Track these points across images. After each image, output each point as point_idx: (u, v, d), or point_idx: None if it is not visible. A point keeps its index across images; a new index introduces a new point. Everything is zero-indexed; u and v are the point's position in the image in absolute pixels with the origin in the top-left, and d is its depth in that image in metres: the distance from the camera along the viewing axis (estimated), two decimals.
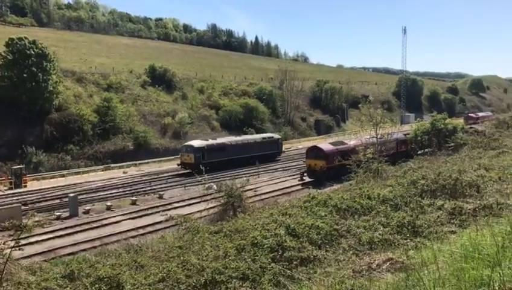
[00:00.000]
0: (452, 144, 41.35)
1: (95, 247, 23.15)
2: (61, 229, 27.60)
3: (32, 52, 51.48)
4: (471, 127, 51.89)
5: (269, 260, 10.11)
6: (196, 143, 49.82)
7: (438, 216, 12.45)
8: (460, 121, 72.21)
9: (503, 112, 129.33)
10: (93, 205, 34.23)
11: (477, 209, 12.55)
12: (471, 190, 15.09)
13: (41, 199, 36.26)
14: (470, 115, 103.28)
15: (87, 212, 31.87)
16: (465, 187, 15.27)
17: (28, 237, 23.80)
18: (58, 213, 30.75)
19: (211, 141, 51.61)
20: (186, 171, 45.80)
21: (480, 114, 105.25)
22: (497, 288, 4.39)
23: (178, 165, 49.21)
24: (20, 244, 24.01)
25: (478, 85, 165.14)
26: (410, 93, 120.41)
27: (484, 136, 39.62)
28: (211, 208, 24.50)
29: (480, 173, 18.09)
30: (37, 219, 29.16)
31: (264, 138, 57.73)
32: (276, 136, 60.81)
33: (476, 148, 33.21)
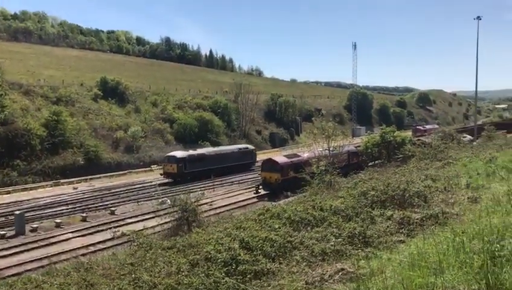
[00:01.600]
0: (401, 156, 42.57)
1: (42, 266, 22.10)
2: (5, 248, 26.27)
3: None
4: (418, 139, 53.61)
5: (223, 274, 10.05)
6: (178, 154, 52.19)
7: (388, 226, 12.80)
8: (408, 134, 74.70)
9: (449, 124, 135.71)
10: (42, 222, 32.81)
11: (424, 218, 13.01)
12: (418, 200, 15.62)
13: None
14: (417, 127, 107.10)
15: (34, 230, 30.51)
16: (413, 197, 15.78)
17: None
18: (2, 232, 29.30)
19: (191, 152, 54.06)
20: (165, 181, 49.47)
21: (427, 127, 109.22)
22: None
23: (161, 175, 51.38)
24: None
25: (425, 99, 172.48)
26: (360, 106, 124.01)
27: (431, 148, 40.99)
28: (164, 223, 24.13)
29: (427, 183, 18.77)
30: None
31: (240, 149, 60.91)
32: (250, 147, 63.99)
33: (423, 160, 34.34)
